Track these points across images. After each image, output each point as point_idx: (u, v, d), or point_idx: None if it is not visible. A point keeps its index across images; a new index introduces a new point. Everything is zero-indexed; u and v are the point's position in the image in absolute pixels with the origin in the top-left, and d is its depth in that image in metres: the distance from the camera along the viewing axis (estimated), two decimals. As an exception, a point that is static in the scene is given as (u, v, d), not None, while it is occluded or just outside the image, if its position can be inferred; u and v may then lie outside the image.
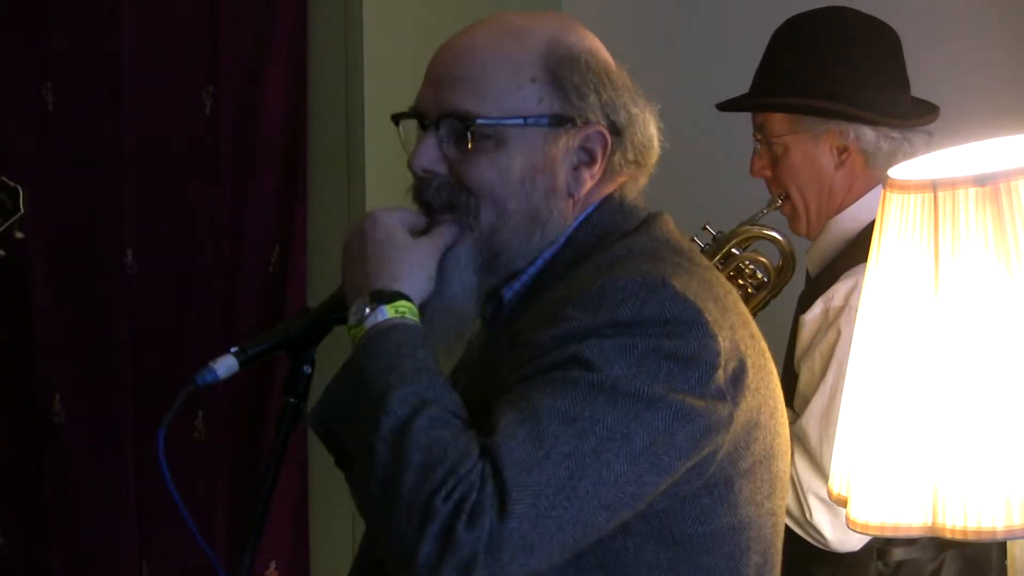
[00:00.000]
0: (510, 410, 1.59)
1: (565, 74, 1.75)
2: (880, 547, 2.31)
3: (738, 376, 1.66)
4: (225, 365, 1.71)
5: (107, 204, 3.24)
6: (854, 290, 2.30)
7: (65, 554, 3.26)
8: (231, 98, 3.25)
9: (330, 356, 2.05)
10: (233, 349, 1.73)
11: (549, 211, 1.77)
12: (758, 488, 1.72)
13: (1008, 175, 1.58)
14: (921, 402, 1.62)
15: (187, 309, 3.28)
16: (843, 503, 1.75)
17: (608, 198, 1.80)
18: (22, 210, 2.44)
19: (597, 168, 1.77)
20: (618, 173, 1.79)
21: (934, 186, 1.61)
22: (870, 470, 1.68)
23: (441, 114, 1.77)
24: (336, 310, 1.79)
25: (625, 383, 1.59)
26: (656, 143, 1.81)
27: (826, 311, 2.37)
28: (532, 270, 1.79)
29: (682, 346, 1.62)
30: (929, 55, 3.05)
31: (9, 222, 2.45)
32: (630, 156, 1.78)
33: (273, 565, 3.28)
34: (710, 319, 1.64)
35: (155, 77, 3.25)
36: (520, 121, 1.75)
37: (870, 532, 1.70)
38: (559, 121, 1.75)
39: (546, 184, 1.76)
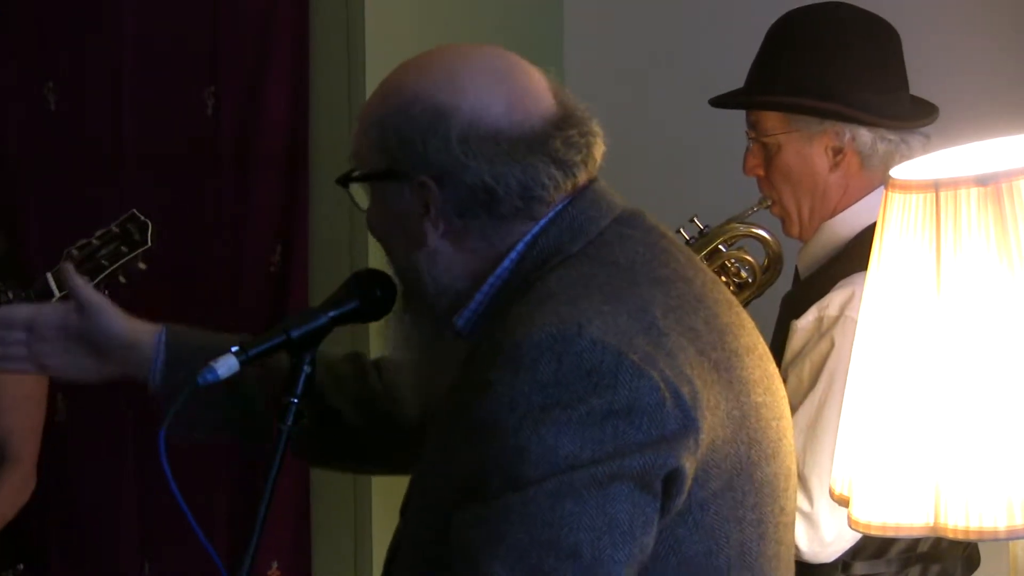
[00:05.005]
0: (495, 561, 1.54)
1: (390, 130, 1.73)
2: (845, 560, 2.26)
3: (693, 399, 1.60)
4: (226, 365, 1.71)
5: (108, 204, 3.24)
6: (850, 300, 2.25)
7: (65, 554, 3.26)
8: (233, 98, 3.25)
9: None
10: (234, 348, 1.73)
11: (412, 262, 1.75)
12: (739, 502, 1.67)
13: (1010, 175, 1.58)
14: (923, 402, 1.62)
15: (188, 309, 3.27)
16: (845, 503, 1.74)
17: (558, 216, 1.72)
18: (149, 243, 2.49)
19: (435, 218, 1.72)
20: (517, 207, 1.70)
21: (936, 186, 1.61)
22: (872, 470, 1.67)
23: None
24: (337, 310, 1.79)
25: (580, 473, 1.54)
26: (537, 178, 1.69)
27: (820, 319, 2.30)
28: (480, 296, 1.74)
29: (613, 397, 1.56)
30: (930, 53, 3.04)
31: (134, 253, 2.50)
32: (467, 203, 1.70)
33: (275, 565, 3.28)
34: (636, 357, 1.58)
35: (157, 77, 3.25)
36: (368, 178, 1.77)
37: (872, 532, 1.70)
38: (391, 175, 1.73)
39: (399, 236, 1.76)
